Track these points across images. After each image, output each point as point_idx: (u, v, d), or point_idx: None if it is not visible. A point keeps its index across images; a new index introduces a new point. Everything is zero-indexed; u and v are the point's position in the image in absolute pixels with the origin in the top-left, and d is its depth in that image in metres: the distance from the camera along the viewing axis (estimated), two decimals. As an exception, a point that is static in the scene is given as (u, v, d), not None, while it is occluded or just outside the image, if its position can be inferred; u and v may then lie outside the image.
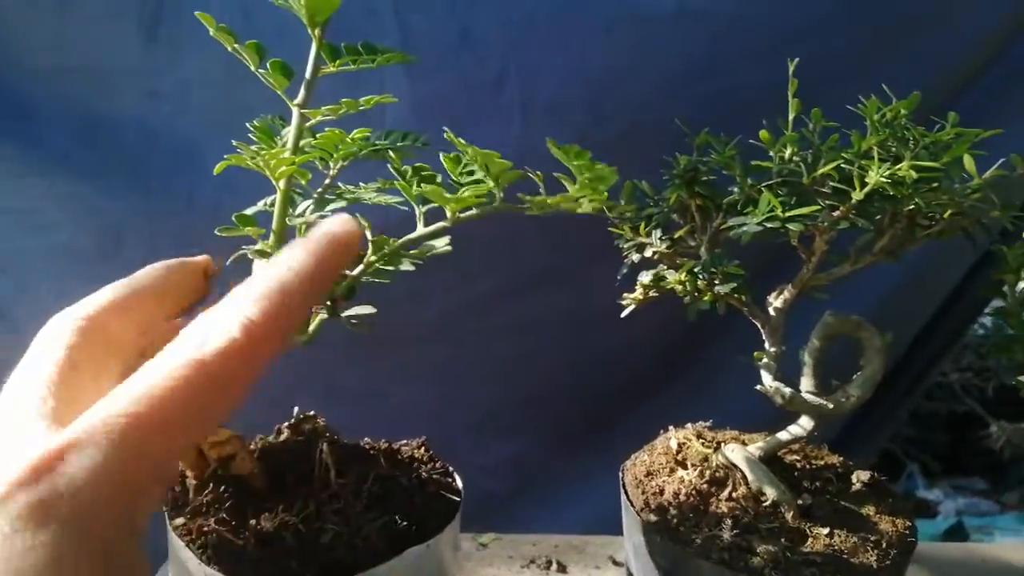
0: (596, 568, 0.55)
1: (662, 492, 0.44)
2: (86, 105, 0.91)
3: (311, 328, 0.39)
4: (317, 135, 0.41)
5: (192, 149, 0.90)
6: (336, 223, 0.29)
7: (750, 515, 0.42)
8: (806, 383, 0.45)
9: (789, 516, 0.42)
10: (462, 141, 0.35)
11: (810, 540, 0.41)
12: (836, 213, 0.38)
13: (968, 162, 0.37)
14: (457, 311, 0.95)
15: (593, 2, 0.85)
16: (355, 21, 0.88)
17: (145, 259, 1.00)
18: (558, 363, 1.00)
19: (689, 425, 0.51)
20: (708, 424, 0.52)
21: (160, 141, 0.91)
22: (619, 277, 0.48)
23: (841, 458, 0.49)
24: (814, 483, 0.45)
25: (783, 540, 0.40)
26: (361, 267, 0.38)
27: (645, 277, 0.44)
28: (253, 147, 0.38)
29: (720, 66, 0.86)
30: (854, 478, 0.46)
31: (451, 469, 0.46)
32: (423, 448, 0.47)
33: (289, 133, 0.38)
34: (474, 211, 0.37)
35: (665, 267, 0.45)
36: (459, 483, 0.45)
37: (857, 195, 0.37)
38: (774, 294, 0.44)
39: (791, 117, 0.43)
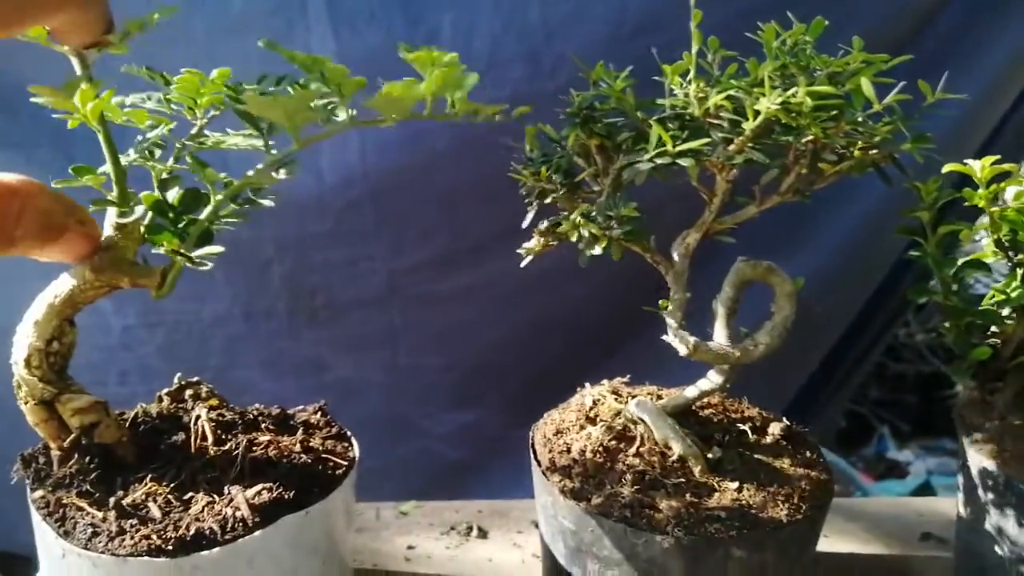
0: (518, 532, 0.53)
1: (569, 450, 0.42)
2: (10, 78, 0.87)
3: (168, 278, 0.35)
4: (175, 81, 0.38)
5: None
6: None
7: (656, 470, 0.40)
8: (719, 333, 0.43)
9: (697, 470, 0.40)
10: (283, 47, 0.31)
11: (717, 495, 0.38)
12: (731, 147, 0.35)
13: (866, 87, 0.34)
14: (399, 279, 0.92)
15: (527, -46, 0.82)
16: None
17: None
18: (506, 329, 0.98)
19: (605, 381, 0.49)
20: (626, 380, 0.49)
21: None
22: (524, 226, 0.45)
23: (760, 410, 0.46)
24: (727, 436, 0.43)
25: (688, 495, 0.38)
26: (210, 207, 0.35)
27: (542, 224, 0.41)
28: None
29: (659, 20, 0.83)
30: (770, 430, 0.44)
31: (349, 434, 0.43)
32: (319, 413, 0.44)
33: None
34: (323, 131, 0.34)
35: (568, 213, 0.42)
36: (355, 449, 0.42)
37: (749, 125, 0.34)
38: (678, 240, 0.41)
39: (694, 50, 0.40)
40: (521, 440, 1.07)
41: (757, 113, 0.34)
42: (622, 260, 0.42)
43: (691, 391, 0.44)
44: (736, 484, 0.39)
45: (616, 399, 0.46)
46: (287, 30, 0.82)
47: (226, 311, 0.90)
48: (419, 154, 0.83)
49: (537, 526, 0.53)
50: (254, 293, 0.90)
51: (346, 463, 0.40)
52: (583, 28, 0.84)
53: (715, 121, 0.36)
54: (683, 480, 0.39)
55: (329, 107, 0.32)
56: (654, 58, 0.90)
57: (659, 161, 0.35)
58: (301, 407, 0.45)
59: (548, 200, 0.42)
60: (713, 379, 0.43)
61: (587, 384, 0.49)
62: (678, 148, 0.34)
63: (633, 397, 0.46)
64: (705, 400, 0.46)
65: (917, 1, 0.88)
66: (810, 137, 0.35)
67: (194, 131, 0.39)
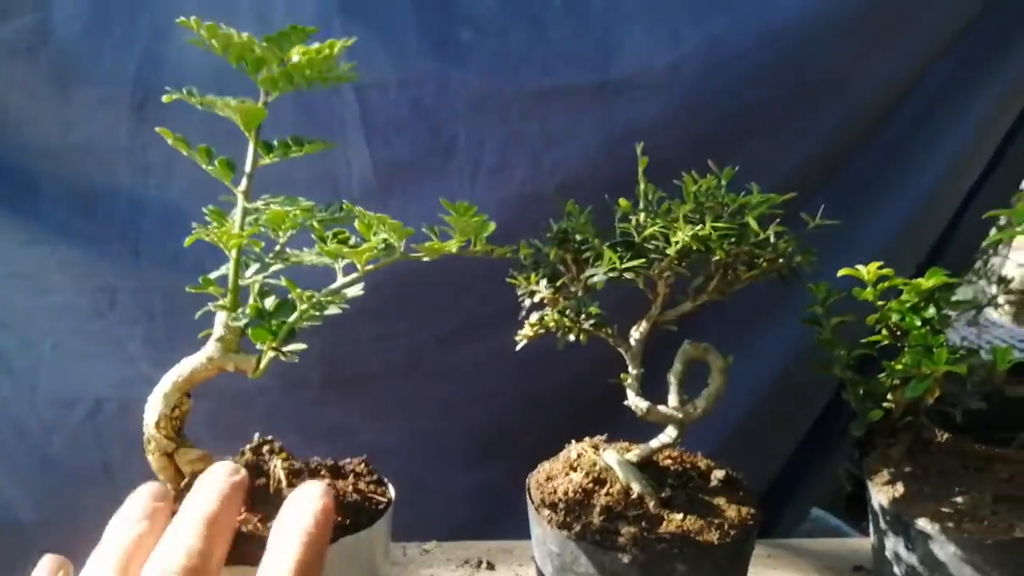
0: (519, 565, 0.66)
1: (556, 491, 0.56)
2: (83, 179, 1.05)
3: (261, 365, 0.50)
4: (266, 213, 0.54)
5: (177, 215, 1.03)
6: (224, 476, 0.47)
7: (620, 506, 0.53)
8: (672, 399, 0.57)
9: (651, 505, 0.53)
10: (361, 209, 0.47)
11: (665, 523, 0.52)
12: (662, 265, 0.51)
13: (752, 224, 0.49)
14: (419, 352, 1.06)
15: (526, 78, 0.99)
16: (322, 99, 1.02)
17: (136, 316, 1.11)
18: (517, 398, 1.12)
19: (587, 439, 0.63)
20: (604, 437, 0.63)
21: (149, 209, 1.04)
22: (519, 319, 0.60)
23: (707, 460, 0.60)
24: (678, 480, 0.57)
25: (643, 523, 0.52)
26: (296, 315, 0.50)
27: (532, 317, 0.56)
28: (210, 227, 0.51)
29: (641, 128, 0.99)
30: (712, 476, 0.58)
31: (386, 480, 0.57)
32: (363, 464, 0.59)
33: (236, 214, 0.50)
34: (380, 262, 0.49)
35: (551, 309, 0.57)
36: (391, 491, 0.56)
37: (670, 250, 0.49)
38: (634, 328, 0.56)
39: (642, 187, 0.56)
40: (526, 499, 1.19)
41: (676, 242, 0.49)
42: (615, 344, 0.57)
43: (654, 443, 0.58)
44: (681, 515, 0.53)
45: (595, 452, 0.60)
46: (330, 140, 0.99)
47: (266, 383, 1.05)
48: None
49: (534, 559, 0.67)
50: (291, 367, 1.05)
51: (386, 500, 0.54)
52: (577, 136, 1.01)
53: (649, 246, 0.51)
54: (640, 512, 0.53)
55: (386, 247, 0.48)
56: (638, 159, 1.07)
57: (611, 274, 0.50)
58: (348, 459, 0.59)
59: (536, 299, 0.58)
60: (669, 434, 0.57)
61: (572, 441, 0.63)
62: (624, 266, 0.50)
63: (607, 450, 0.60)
64: (666, 452, 0.60)
65: (870, 109, 1.05)
66: (718, 257, 0.50)
67: (277, 248, 0.55)
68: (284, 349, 0.49)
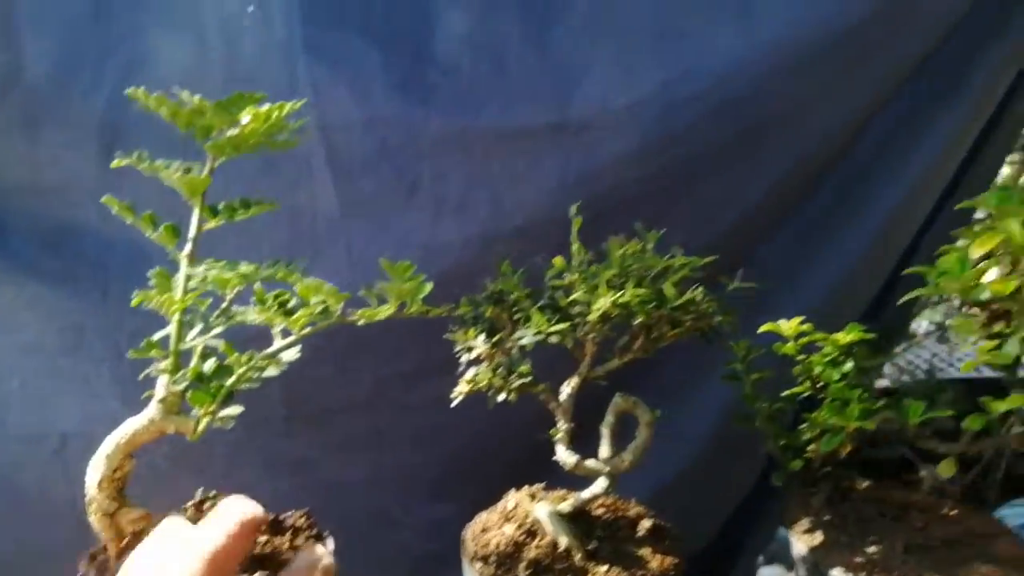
0: (462, 611, 0.68)
1: (488, 544, 0.58)
2: (52, 219, 1.07)
3: (199, 428, 0.52)
4: (210, 274, 0.56)
5: (144, 255, 1.04)
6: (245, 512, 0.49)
7: (548, 559, 0.55)
8: (603, 450, 0.59)
9: (577, 558, 0.56)
10: (298, 275, 0.49)
11: (590, 575, 0.54)
12: (586, 327, 0.53)
13: (668, 290, 0.51)
14: (383, 388, 1.08)
15: (488, 118, 1.02)
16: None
17: (103, 354, 1.13)
18: (480, 431, 1.14)
19: (526, 487, 0.65)
20: (542, 486, 0.65)
21: (117, 249, 1.06)
22: (457, 374, 0.62)
23: (638, 508, 0.62)
24: (607, 530, 0.59)
25: (568, 576, 0.54)
26: (234, 378, 0.52)
27: (468, 374, 0.58)
28: (152, 291, 0.53)
29: (601, 168, 1.02)
30: (641, 525, 0.60)
31: (324, 534, 0.59)
32: (305, 517, 0.60)
33: (179, 279, 0.52)
34: (316, 326, 0.52)
35: (486, 365, 0.59)
36: (331, 544, 0.58)
37: (592, 316, 0.51)
38: (565, 383, 0.58)
39: (574, 247, 0.58)
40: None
41: (597, 308, 0.51)
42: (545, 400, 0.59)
43: (586, 494, 0.60)
44: (606, 567, 0.55)
45: (531, 501, 0.62)
46: (296, 178, 1.02)
47: (232, 418, 1.07)
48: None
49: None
50: (255, 404, 1.07)
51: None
52: (538, 176, 1.04)
53: (572, 311, 0.54)
54: (566, 566, 0.55)
55: (323, 311, 0.50)
56: (597, 199, 1.08)
57: (538, 337, 0.53)
58: (291, 512, 0.61)
59: (473, 355, 0.60)
60: (600, 484, 0.59)
61: (512, 490, 0.65)
62: (549, 330, 0.52)
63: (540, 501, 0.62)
64: (599, 500, 0.62)
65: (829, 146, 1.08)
66: (639, 320, 0.52)
67: (223, 306, 0.57)
68: (219, 414, 0.51)
